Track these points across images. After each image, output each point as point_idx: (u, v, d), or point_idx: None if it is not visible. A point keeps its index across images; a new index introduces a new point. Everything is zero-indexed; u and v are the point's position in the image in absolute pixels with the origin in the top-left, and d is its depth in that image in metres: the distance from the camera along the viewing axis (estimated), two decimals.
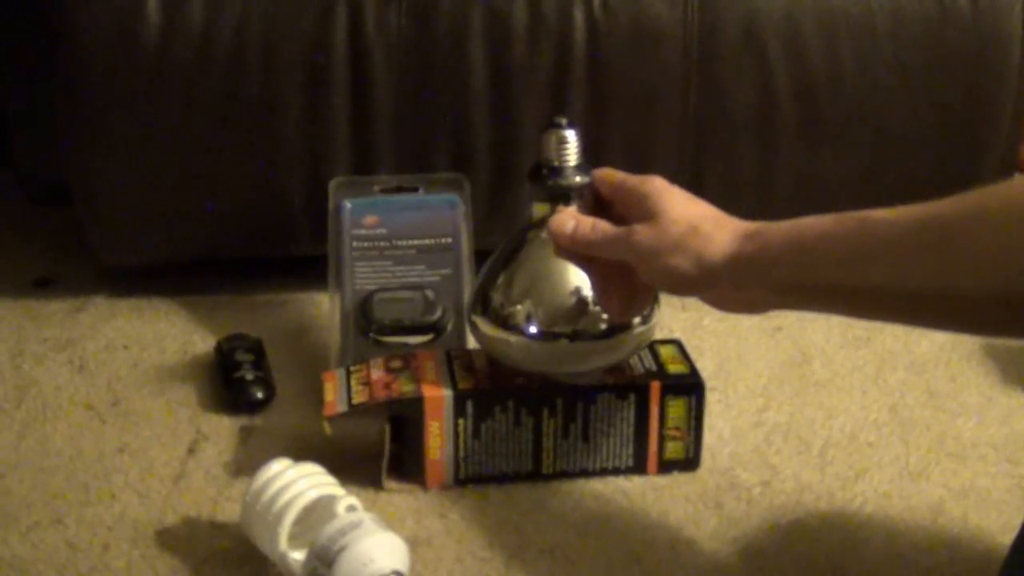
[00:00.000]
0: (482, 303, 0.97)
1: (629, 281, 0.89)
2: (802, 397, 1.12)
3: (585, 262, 0.91)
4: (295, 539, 0.87)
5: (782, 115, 1.22)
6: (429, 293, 1.12)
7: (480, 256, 1.14)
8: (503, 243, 0.98)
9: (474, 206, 1.15)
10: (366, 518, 0.85)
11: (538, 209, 0.95)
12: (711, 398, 1.03)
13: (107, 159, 1.20)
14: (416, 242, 1.13)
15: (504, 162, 1.22)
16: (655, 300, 0.96)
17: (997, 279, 0.71)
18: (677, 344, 1.04)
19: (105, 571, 0.89)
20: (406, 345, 1.09)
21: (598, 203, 0.93)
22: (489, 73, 1.19)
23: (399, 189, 1.15)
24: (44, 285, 1.29)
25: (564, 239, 0.90)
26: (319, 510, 0.88)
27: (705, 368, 1.03)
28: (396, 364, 1.01)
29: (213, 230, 1.25)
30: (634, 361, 1.01)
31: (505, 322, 0.95)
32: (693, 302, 1.27)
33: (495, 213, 1.22)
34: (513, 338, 0.95)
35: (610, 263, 0.89)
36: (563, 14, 1.18)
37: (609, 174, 0.93)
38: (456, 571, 0.90)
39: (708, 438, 1.02)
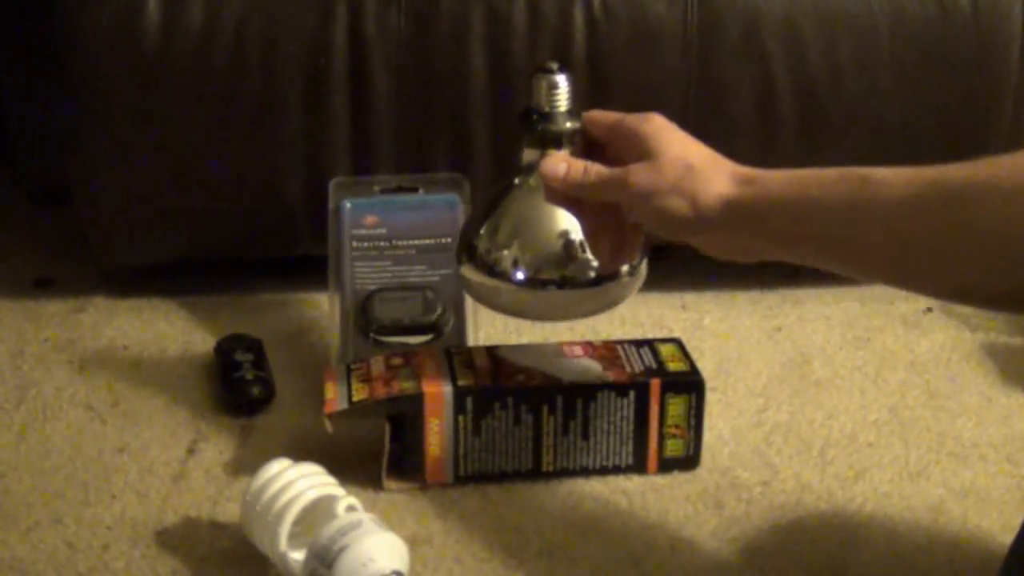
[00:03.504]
0: (468, 249, 0.95)
1: (619, 228, 0.88)
2: (802, 397, 1.12)
3: (575, 207, 0.90)
4: (295, 539, 0.87)
5: (782, 115, 1.22)
6: (429, 293, 1.12)
7: None
8: (491, 189, 0.96)
9: (474, 206, 1.15)
10: (366, 518, 0.86)
11: (528, 155, 0.93)
12: (711, 398, 1.04)
13: (107, 159, 1.20)
14: (416, 242, 1.13)
15: (504, 162, 1.22)
16: (644, 251, 0.94)
17: (1002, 249, 0.70)
18: (677, 343, 1.04)
19: (105, 571, 0.89)
20: (406, 345, 1.09)
21: (589, 150, 0.91)
22: (489, 73, 1.19)
23: (399, 189, 1.15)
24: (44, 285, 1.29)
25: (556, 181, 0.88)
26: (319, 510, 0.88)
27: (705, 368, 1.03)
28: (396, 362, 1.01)
29: (213, 230, 1.24)
30: (634, 359, 1.01)
31: (491, 269, 0.93)
32: (693, 302, 1.27)
33: None
34: (500, 285, 0.93)
35: (600, 209, 0.88)
36: (563, 14, 1.18)
37: (603, 115, 0.91)
38: (456, 571, 0.90)
39: (708, 438, 1.02)
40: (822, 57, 1.20)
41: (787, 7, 1.20)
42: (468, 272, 0.95)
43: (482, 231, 0.94)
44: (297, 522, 0.87)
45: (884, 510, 0.97)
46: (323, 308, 1.19)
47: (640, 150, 0.85)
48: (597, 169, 0.87)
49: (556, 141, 0.92)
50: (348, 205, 1.12)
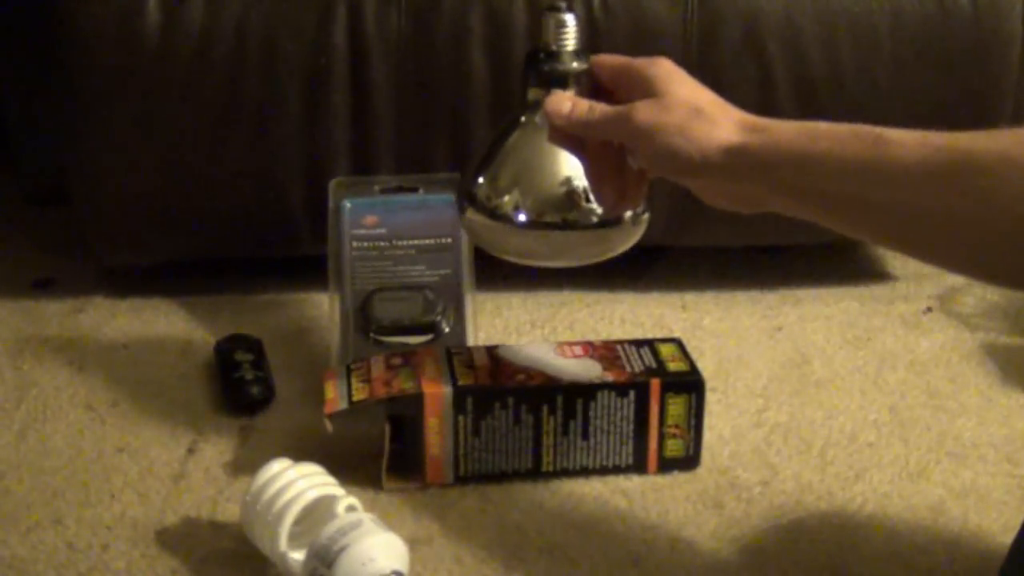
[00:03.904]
0: (472, 190, 0.93)
1: (622, 171, 0.87)
2: (802, 397, 1.12)
3: (579, 148, 0.88)
4: (295, 539, 0.87)
5: (782, 115, 1.21)
6: (429, 293, 1.12)
7: (480, 256, 1.14)
8: (496, 130, 0.94)
9: None
10: (366, 518, 0.86)
11: (533, 94, 0.91)
12: (711, 398, 1.04)
13: (107, 159, 1.20)
14: (416, 242, 1.13)
15: None
16: (648, 200, 0.92)
17: (1014, 225, 0.69)
18: (677, 343, 1.04)
19: (105, 571, 0.89)
20: (406, 345, 1.09)
21: (596, 94, 0.89)
22: (489, 73, 1.19)
23: (399, 189, 1.15)
24: (44, 285, 1.29)
25: (560, 118, 0.87)
26: (319, 510, 0.88)
27: (705, 368, 1.03)
28: (396, 361, 1.01)
29: (213, 230, 1.25)
30: (634, 359, 1.01)
31: (494, 211, 0.91)
32: (693, 302, 1.27)
33: None
34: (501, 226, 0.91)
35: (604, 151, 0.87)
36: None
37: (610, 58, 0.89)
38: (456, 571, 0.90)
39: (708, 438, 1.02)
40: (822, 57, 1.20)
41: (787, 7, 1.20)
42: (471, 215, 0.93)
43: (484, 173, 0.92)
44: (297, 522, 0.87)
45: (884, 510, 0.97)
46: (323, 308, 1.19)
47: (647, 92, 0.83)
48: (602, 107, 0.85)
49: (562, 81, 0.89)
50: (348, 205, 1.12)
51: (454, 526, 0.94)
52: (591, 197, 0.89)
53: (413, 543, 0.89)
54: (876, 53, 1.21)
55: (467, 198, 0.93)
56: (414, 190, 1.15)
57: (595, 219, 0.90)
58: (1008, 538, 0.81)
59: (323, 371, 1.04)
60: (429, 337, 1.11)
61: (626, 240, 0.93)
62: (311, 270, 1.19)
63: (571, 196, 0.90)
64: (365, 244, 1.12)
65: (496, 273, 1.22)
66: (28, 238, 1.39)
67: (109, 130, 1.18)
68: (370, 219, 1.12)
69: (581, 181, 0.89)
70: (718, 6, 1.19)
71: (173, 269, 1.30)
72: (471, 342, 1.12)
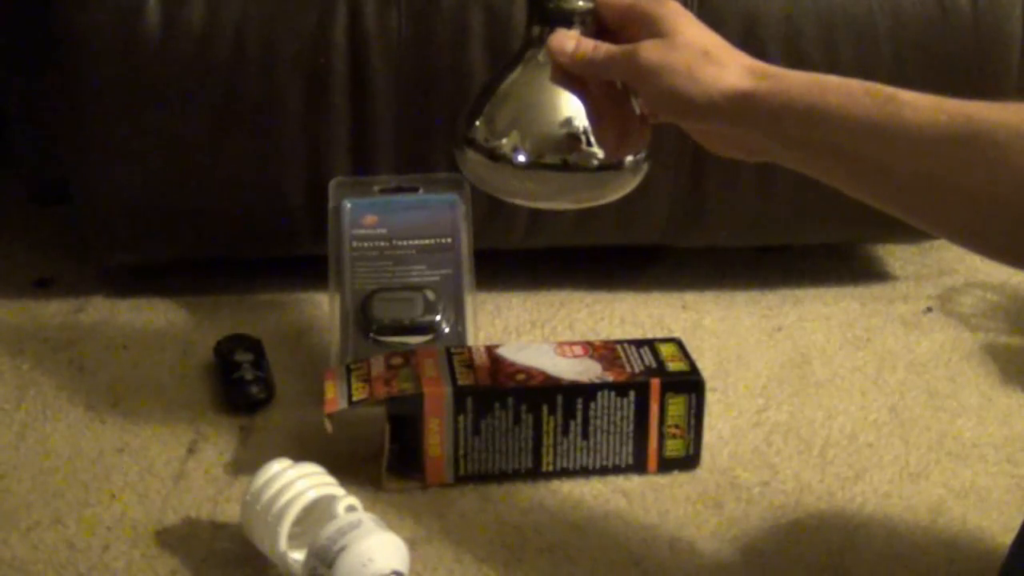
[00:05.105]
0: (470, 128, 0.91)
1: (625, 114, 0.86)
2: (802, 397, 1.12)
3: (581, 89, 0.86)
4: (295, 539, 0.87)
5: None
6: (429, 293, 1.12)
7: (480, 256, 1.14)
8: (500, 66, 0.93)
9: (474, 206, 1.15)
10: (366, 518, 0.86)
11: (536, 32, 0.89)
12: (711, 398, 1.04)
13: (107, 159, 1.20)
14: (416, 242, 1.13)
15: None
16: (649, 147, 0.90)
17: (1019, 199, 0.69)
18: (677, 342, 1.05)
19: (105, 571, 0.89)
20: (406, 345, 1.09)
21: (600, 35, 0.87)
22: (489, 73, 1.18)
23: (399, 189, 1.15)
24: (44, 285, 1.29)
25: (563, 57, 0.85)
26: (319, 510, 0.88)
27: (705, 368, 1.03)
28: (396, 361, 1.01)
29: (213, 230, 1.24)
30: (634, 359, 1.01)
31: (492, 151, 0.89)
32: (693, 302, 1.27)
33: (495, 213, 1.22)
34: (500, 166, 0.89)
35: (607, 93, 0.85)
36: None
37: None
38: (456, 571, 0.90)
39: (708, 438, 1.02)
40: (822, 57, 1.20)
41: (787, 7, 1.20)
42: (470, 155, 0.91)
43: (484, 111, 0.90)
44: (297, 522, 0.87)
45: (884, 510, 0.97)
46: (323, 308, 1.19)
47: (653, 32, 0.82)
48: (607, 46, 0.84)
49: (567, 20, 0.87)
50: (348, 205, 1.12)
51: (454, 526, 0.94)
52: (592, 140, 0.87)
53: (413, 543, 0.89)
54: (876, 54, 1.21)
55: (465, 138, 0.91)
56: (414, 190, 1.15)
57: (596, 162, 0.88)
58: (1008, 538, 0.81)
59: (323, 371, 1.04)
60: (429, 337, 1.11)
61: (625, 185, 0.91)
62: (311, 270, 1.19)
63: (572, 138, 0.88)
64: (365, 244, 1.12)
65: (496, 273, 1.22)
66: (28, 238, 1.39)
67: (109, 130, 1.18)
68: (370, 219, 1.13)
69: (582, 122, 0.87)
70: (718, 6, 1.19)
71: (173, 269, 1.30)
72: (471, 342, 1.12)
